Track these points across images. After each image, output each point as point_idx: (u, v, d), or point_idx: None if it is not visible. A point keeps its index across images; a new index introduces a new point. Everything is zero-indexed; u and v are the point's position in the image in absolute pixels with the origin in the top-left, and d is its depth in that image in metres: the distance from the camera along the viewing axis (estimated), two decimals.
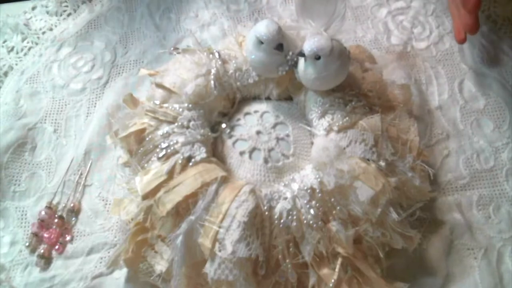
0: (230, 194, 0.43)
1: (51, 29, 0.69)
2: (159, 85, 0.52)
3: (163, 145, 0.47)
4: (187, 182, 0.44)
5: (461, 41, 0.60)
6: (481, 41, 0.67)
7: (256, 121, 0.53)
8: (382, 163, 0.46)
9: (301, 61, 0.50)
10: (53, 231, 0.51)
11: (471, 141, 0.58)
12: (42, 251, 0.50)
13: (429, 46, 0.67)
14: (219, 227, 0.41)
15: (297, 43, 0.52)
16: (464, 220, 0.52)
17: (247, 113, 0.55)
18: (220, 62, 0.53)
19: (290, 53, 0.51)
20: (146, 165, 0.47)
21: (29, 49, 0.67)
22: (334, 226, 0.43)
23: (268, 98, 0.56)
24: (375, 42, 0.67)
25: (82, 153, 0.56)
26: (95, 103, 0.61)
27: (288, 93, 0.56)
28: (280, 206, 0.44)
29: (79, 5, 0.71)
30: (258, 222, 0.43)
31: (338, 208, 0.44)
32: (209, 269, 0.41)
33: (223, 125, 0.53)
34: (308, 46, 0.48)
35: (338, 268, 0.43)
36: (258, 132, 0.52)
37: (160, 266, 0.44)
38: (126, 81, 0.63)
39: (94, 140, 0.57)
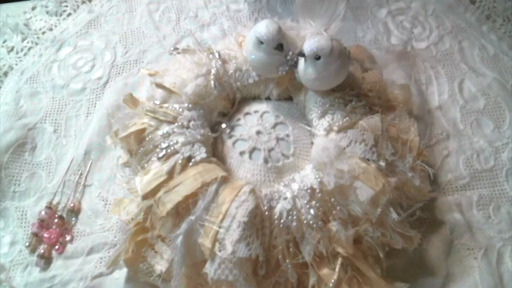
0: (230, 194, 0.43)
1: (51, 29, 0.69)
2: (159, 85, 0.52)
3: (163, 145, 0.47)
4: (187, 182, 0.44)
5: None
6: (481, 41, 0.67)
7: (256, 121, 0.53)
8: (382, 163, 0.46)
9: (301, 61, 0.50)
10: (53, 231, 0.51)
11: (471, 141, 0.58)
12: (42, 251, 0.50)
13: (429, 46, 0.67)
14: (219, 227, 0.41)
15: (297, 43, 0.52)
16: (464, 220, 0.52)
17: (247, 113, 0.55)
18: (220, 62, 0.53)
19: (290, 53, 0.51)
20: (146, 165, 0.47)
21: (29, 49, 0.67)
22: (334, 226, 0.43)
23: (268, 98, 0.56)
24: (375, 42, 0.67)
25: (82, 153, 0.56)
26: (95, 103, 0.61)
27: (288, 93, 0.56)
28: (280, 206, 0.44)
29: (79, 5, 0.72)
30: (258, 222, 0.43)
31: (338, 208, 0.44)
32: (209, 269, 0.41)
33: (223, 125, 0.53)
34: (308, 46, 0.48)
35: (338, 268, 0.43)
36: (258, 132, 0.52)
37: (160, 266, 0.44)
38: (126, 81, 0.63)
39: (94, 140, 0.57)
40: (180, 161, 0.46)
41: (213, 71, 0.53)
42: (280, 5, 0.72)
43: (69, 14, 0.71)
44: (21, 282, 0.48)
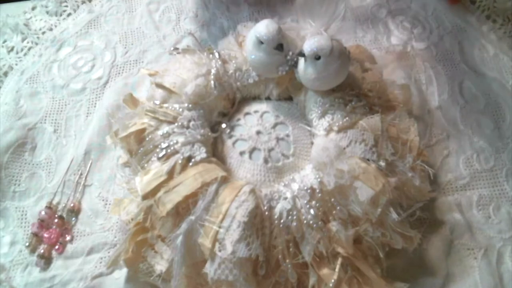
0: (230, 194, 0.43)
1: (51, 29, 0.69)
2: (159, 85, 0.52)
3: (163, 145, 0.47)
4: (187, 182, 0.44)
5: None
6: (481, 41, 0.67)
7: (256, 121, 0.53)
8: (382, 163, 0.46)
9: (301, 61, 0.50)
10: (53, 231, 0.51)
11: (471, 141, 0.58)
12: (42, 251, 0.50)
13: (429, 46, 0.67)
14: (219, 227, 0.41)
15: (297, 43, 0.52)
16: (464, 220, 0.52)
17: (247, 113, 0.55)
18: (220, 62, 0.53)
19: (290, 53, 0.51)
20: (146, 165, 0.47)
21: (29, 49, 0.67)
22: (334, 226, 0.43)
23: (268, 98, 0.56)
24: (375, 42, 0.67)
25: (82, 153, 0.56)
26: (95, 103, 0.61)
27: (288, 93, 0.56)
28: (280, 206, 0.44)
29: (79, 5, 0.71)
30: (258, 222, 0.43)
31: (338, 208, 0.44)
32: (209, 269, 0.41)
33: (223, 125, 0.53)
34: (308, 46, 0.48)
35: (338, 268, 0.43)
36: (258, 132, 0.52)
37: (160, 266, 0.44)
38: (126, 81, 0.63)
39: (94, 140, 0.57)
40: (180, 161, 0.46)
41: (213, 71, 0.53)
42: (280, 5, 0.71)
43: (69, 14, 0.71)
44: (21, 282, 0.48)
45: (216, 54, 0.54)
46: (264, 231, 0.43)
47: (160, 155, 0.47)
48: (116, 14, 0.70)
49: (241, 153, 0.51)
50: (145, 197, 0.44)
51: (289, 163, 0.51)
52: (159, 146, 0.47)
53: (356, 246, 0.44)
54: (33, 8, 0.71)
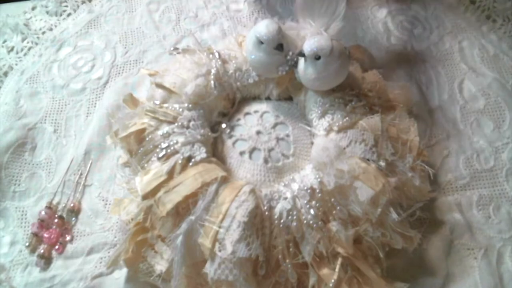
0: (230, 194, 0.43)
1: (51, 29, 0.69)
2: (159, 85, 0.52)
3: (163, 145, 0.47)
4: (187, 182, 0.44)
5: None
6: (481, 41, 0.67)
7: (256, 121, 0.53)
8: (382, 163, 0.46)
9: (301, 61, 0.50)
10: (53, 231, 0.51)
11: (471, 141, 0.58)
12: (42, 251, 0.50)
13: (429, 46, 0.67)
14: (219, 227, 0.41)
15: (297, 43, 0.52)
16: (464, 220, 0.52)
17: (247, 113, 0.55)
18: (220, 62, 0.53)
19: (290, 53, 0.51)
20: (146, 165, 0.47)
21: (29, 49, 0.67)
22: (334, 226, 0.43)
23: (268, 98, 0.56)
24: (375, 42, 0.67)
25: (82, 153, 0.56)
26: (95, 103, 0.61)
27: (288, 93, 0.56)
28: (280, 206, 0.44)
29: (79, 5, 0.72)
30: (258, 222, 0.43)
31: (338, 208, 0.44)
32: (209, 269, 0.41)
33: (223, 125, 0.53)
34: (308, 46, 0.48)
35: (338, 268, 0.43)
36: (258, 132, 0.52)
37: (160, 266, 0.44)
38: (126, 81, 0.63)
39: (94, 140, 0.57)
40: (180, 161, 0.46)
41: (213, 71, 0.53)
42: (280, 5, 0.72)
43: (69, 14, 0.71)
44: (21, 282, 0.48)
45: (216, 54, 0.54)
46: (264, 231, 0.43)
47: (160, 155, 0.47)
48: (116, 14, 0.70)
49: (241, 153, 0.51)
50: (145, 197, 0.44)
51: (289, 163, 0.51)
52: (159, 146, 0.47)
53: (356, 246, 0.44)
54: (33, 8, 0.71)
